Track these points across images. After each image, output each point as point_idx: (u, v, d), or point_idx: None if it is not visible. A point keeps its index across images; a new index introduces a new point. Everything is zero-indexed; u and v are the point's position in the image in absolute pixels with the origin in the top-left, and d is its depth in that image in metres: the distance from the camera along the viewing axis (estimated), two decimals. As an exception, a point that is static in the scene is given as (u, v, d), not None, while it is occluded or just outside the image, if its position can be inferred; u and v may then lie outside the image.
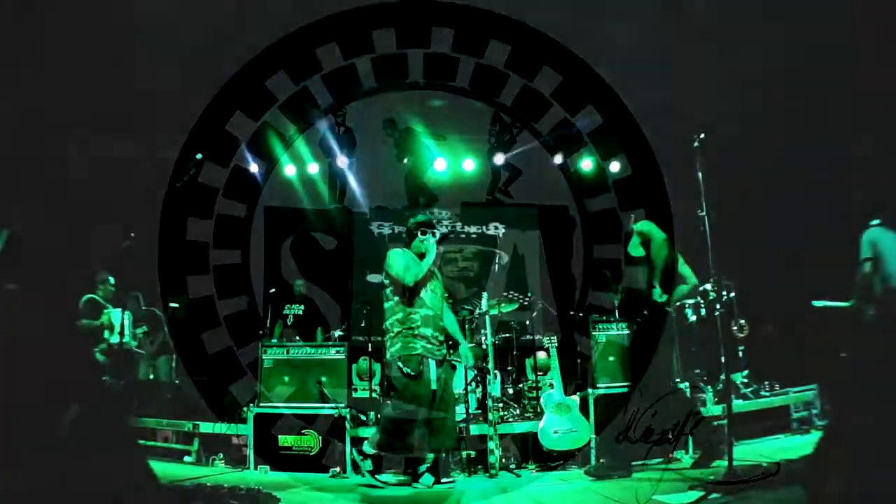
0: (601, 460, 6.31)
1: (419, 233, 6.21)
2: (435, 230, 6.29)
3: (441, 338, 6.05)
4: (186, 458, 7.52)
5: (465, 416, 7.04)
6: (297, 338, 9.22)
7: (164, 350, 9.77)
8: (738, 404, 7.45)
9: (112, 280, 8.64)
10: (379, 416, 6.79)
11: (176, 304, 9.85)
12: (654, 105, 10.06)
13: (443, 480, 5.74)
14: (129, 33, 8.27)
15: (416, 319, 5.92)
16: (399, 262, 6.13)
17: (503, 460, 6.46)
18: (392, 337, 6.02)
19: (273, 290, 9.36)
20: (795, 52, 8.81)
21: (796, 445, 6.46)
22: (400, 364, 5.79)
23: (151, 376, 9.58)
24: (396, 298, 6.10)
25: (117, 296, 8.65)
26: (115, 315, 8.35)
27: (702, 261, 5.61)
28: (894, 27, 7.67)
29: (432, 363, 5.80)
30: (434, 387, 5.73)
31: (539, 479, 6.09)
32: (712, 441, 5.94)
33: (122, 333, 7.69)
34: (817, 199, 9.22)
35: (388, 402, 6.23)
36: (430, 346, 5.88)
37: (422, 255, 6.12)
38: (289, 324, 9.68)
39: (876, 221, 6.50)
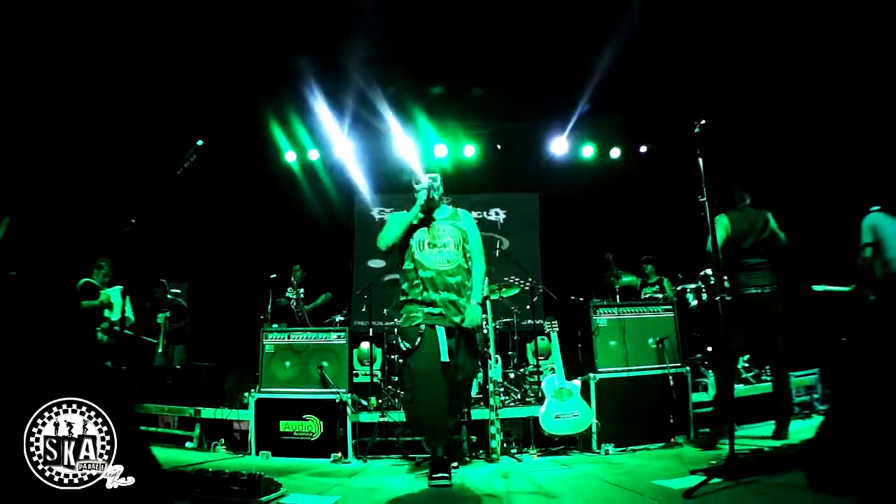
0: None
1: (414, 184, 5.37)
2: (432, 173, 5.36)
3: (454, 299, 5.00)
4: (188, 444, 7.55)
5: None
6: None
7: (182, 339, 9.87)
8: (740, 389, 7.47)
9: (107, 263, 8.59)
10: None
11: (177, 290, 9.89)
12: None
13: (433, 477, 4.66)
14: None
15: (418, 284, 5.04)
16: (386, 226, 5.36)
17: (504, 445, 6.47)
18: (398, 310, 5.29)
19: (274, 275, 9.35)
20: (795, 40, 8.80)
21: (797, 430, 6.46)
22: (399, 340, 5.20)
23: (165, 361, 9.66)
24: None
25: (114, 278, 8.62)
26: (113, 293, 8.32)
27: (702, 245, 5.62)
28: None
29: (441, 331, 4.87)
30: (444, 358, 4.79)
31: (540, 463, 6.09)
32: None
33: (123, 310, 7.65)
34: (819, 183, 9.22)
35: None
36: (436, 310, 4.94)
37: None
38: (293, 307, 9.65)
39: (876, 207, 6.49)
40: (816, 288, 7.34)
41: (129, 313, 8.30)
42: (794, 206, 9.52)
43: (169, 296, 9.56)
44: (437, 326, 4.89)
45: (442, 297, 4.97)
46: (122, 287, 8.10)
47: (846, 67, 8.73)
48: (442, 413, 4.86)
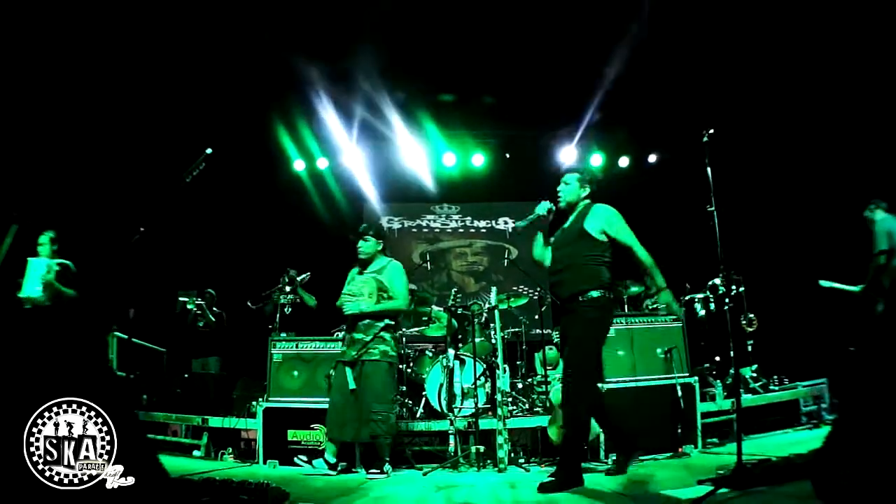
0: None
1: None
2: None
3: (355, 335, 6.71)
4: (195, 453, 7.57)
5: (474, 410, 7.02)
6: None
7: (216, 350, 9.96)
8: (747, 399, 7.44)
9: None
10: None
11: (186, 298, 9.92)
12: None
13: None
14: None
15: None
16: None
17: (512, 455, 6.46)
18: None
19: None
20: (798, 44, 8.80)
21: (805, 440, 6.44)
22: None
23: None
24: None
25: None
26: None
27: (711, 255, 5.60)
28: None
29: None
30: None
31: (548, 473, 6.07)
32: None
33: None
34: (826, 193, 9.21)
35: None
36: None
37: None
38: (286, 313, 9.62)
39: (882, 212, 6.47)
40: (824, 283, 7.31)
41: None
42: (803, 215, 9.56)
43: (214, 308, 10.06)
44: None
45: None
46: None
47: (855, 72, 8.72)
48: None
